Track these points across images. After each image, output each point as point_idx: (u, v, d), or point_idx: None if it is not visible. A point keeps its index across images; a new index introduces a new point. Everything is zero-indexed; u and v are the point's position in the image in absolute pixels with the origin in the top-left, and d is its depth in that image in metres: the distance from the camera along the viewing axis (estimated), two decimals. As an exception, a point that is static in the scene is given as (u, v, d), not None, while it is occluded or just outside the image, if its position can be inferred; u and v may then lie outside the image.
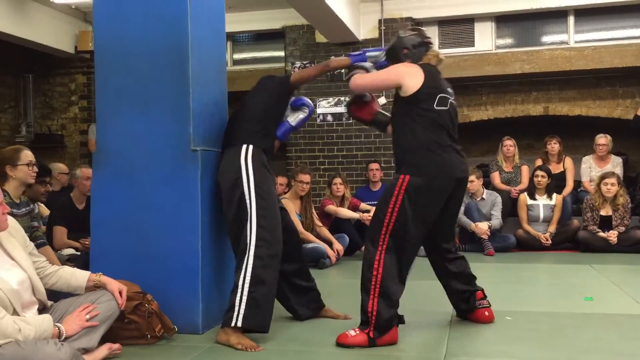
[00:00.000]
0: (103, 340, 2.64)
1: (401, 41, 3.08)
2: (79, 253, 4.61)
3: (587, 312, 3.50)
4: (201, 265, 3.09)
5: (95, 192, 3.27)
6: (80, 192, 5.12)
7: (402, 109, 2.98)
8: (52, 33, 7.96)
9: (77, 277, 2.70)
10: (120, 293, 2.69)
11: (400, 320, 2.94)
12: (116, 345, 2.67)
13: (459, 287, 3.21)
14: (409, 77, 2.91)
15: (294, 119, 3.32)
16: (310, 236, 5.57)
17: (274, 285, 3.00)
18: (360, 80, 3.08)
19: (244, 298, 2.85)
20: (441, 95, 2.94)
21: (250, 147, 3.09)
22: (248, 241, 2.93)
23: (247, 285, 2.86)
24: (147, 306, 2.83)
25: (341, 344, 2.82)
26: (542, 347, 2.79)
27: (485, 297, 3.25)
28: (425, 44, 3.08)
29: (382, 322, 2.79)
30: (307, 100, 3.39)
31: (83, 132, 8.60)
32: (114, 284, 2.70)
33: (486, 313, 3.22)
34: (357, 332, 2.83)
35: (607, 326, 3.18)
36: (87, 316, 2.52)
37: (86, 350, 2.51)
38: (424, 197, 2.85)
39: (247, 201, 2.99)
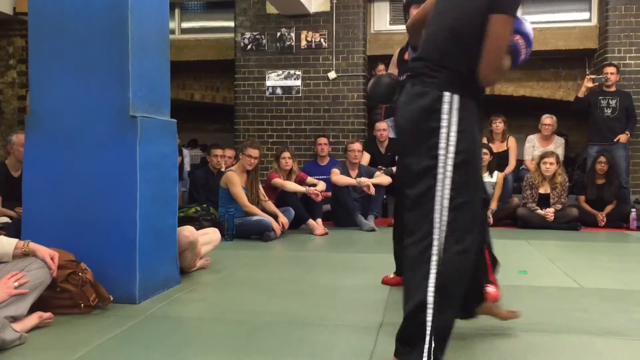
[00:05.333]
0: (34, 309, 2.56)
1: None
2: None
3: (521, 285, 3.60)
4: (139, 234, 3.02)
5: (27, 157, 3.15)
6: (16, 159, 4.95)
7: None
8: (-12, -7, 7.58)
9: (4, 244, 2.59)
10: (52, 259, 2.61)
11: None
12: (47, 314, 2.60)
13: None
14: None
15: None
16: (255, 209, 5.54)
17: None
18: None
19: None
20: None
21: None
22: None
23: None
24: (80, 275, 2.76)
25: None
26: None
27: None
28: None
29: None
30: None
31: (21, 97, 8.27)
32: (43, 251, 2.61)
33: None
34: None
35: (539, 298, 3.28)
36: (16, 283, 2.44)
37: (15, 319, 2.43)
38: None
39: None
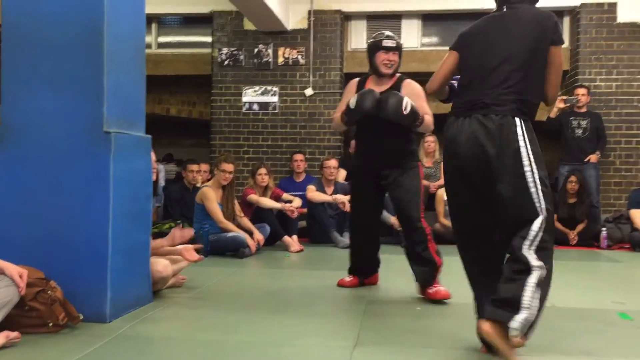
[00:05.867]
0: (1, 329, 2.49)
1: None
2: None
3: (494, 304, 3.62)
4: (111, 251, 2.97)
5: (-3, 172, 3.09)
6: (-14, 173, 4.83)
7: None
8: (-39, 3, 7.46)
9: (-29, 261, 2.53)
10: (20, 277, 2.55)
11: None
12: (15, 334, 2.52)
13: None
14: None
15: None
16: (230, 225, 5.51)
17: None
18: None
19: None
20: None
21: None
22: None
23: None
24: (49, 293, 2.70)
25: None
26: (451, 336, 2.87)
27: None
28: None
29: None
30: None
31: (-7, 110, 8.13)
32: (12, 268, 2.55)
33: None
34: None
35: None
36: (-18, 302, 2.38)
37: (-20, 338, 2.37)
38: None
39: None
